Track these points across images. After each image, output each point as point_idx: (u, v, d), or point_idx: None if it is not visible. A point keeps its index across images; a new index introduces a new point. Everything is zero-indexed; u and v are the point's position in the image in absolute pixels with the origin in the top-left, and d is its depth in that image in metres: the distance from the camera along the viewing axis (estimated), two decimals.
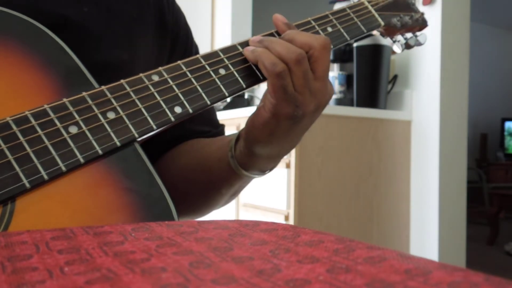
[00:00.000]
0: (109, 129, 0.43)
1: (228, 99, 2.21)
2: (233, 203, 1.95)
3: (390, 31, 0.65)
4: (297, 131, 0.51)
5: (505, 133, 5.86)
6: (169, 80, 0.47)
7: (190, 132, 0.66)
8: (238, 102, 2.24)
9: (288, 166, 1.68)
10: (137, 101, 0.45)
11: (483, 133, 5.83)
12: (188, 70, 0.49)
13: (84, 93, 0.43)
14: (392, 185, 1.92)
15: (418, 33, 0.67)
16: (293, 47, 0.48)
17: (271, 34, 0.54)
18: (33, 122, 0.40)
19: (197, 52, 0.70)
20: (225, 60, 0.51)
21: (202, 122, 0.67)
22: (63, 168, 0.40)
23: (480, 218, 4.63)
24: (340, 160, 1.77)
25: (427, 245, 1.90)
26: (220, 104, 2.21)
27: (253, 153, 0.53)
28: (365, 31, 0.60)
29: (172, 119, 0.46)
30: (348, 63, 2.06)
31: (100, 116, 0.43)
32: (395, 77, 2.03)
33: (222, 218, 0.36)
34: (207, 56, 0.50)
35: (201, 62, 0.50)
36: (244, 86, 0.51)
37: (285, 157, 1.69)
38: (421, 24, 0.67)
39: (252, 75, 0.51)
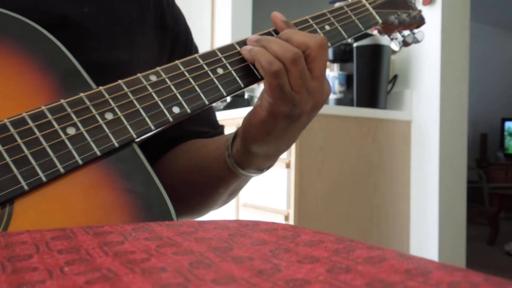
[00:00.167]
0: (107, 130, 0.42)
1: (228, 99, 2.21)
2: (233, 203, 1.95)
3: (387, 28, 0.65)
4: (294, 130, 0.51)
5: (505, 133, 5.87)
6: (167, 80, 0.47)
7: (189, 132, 0.65)
8: (238, 102, 2.24)
9: (288, 166, 1.68)
10: (135, 101, 0.45)
11: (483, 133, 5.83)
12: (186, 70, 0.48)
13: (81, 94, 0.43)
14: (392, 185, 1.92)
15: (415, 31, 0.68)
16: (290, 46, 0.48)
17: (269, 33, 0.54)
18: (31, 123, 0.40)
19: (197, 52, 0.70)
20: (223, 59, 0.51)
21: (201, 122, 0.67)
22: (61, 170, 0.39)
23: (480, 218, 4.63)
24: (340, 160, 1.77)
25: (427, 245, 1.90)
26: (220, 104, 2.22)
27: (250, 152, 0.53)
28: (362, 29, 0.60)
29: (170, 119, 0.46)
30: (348, 63, 2.06)
31: (98, 117, 0.43)
32: (395, 77, 2.03)
33: (222, 218, 0.36)
34: (205, 56, 0.50)
35: (199, 62, 0.49)
36: (242, 85, 0.50)
37: (285, 157, 1.71)
38: (419, 21, 0.67)
39: (250, 75, 0.51)
